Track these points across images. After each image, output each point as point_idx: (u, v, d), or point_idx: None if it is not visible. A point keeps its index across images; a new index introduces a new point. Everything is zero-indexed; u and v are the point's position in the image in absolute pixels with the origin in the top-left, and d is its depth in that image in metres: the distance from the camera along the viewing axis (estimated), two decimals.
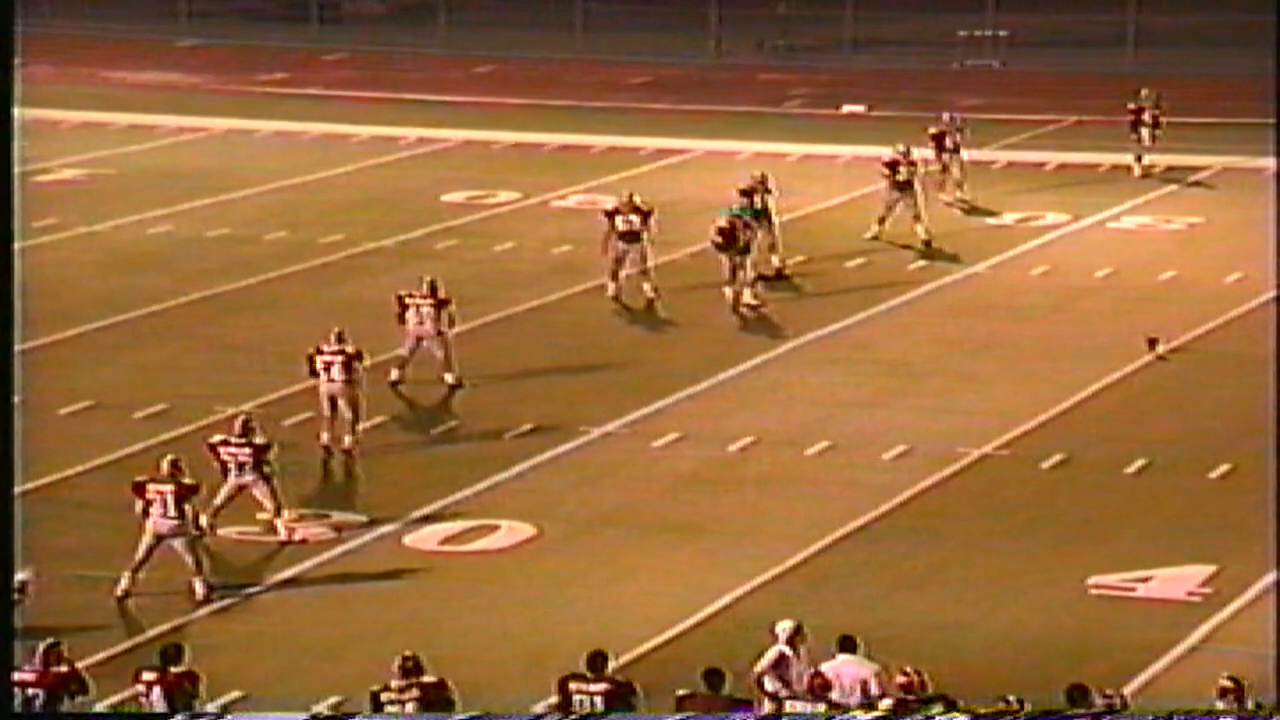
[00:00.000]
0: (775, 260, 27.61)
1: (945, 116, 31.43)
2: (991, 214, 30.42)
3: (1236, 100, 33.87)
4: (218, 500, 18.61)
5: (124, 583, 17.58)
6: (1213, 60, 40.99)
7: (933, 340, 25.29)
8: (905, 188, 29.11)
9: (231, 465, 18.60)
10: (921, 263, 28.55)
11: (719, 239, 26.18)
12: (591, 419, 22.09)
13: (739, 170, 33.07)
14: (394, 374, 22.77)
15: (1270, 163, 33.02)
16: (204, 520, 18.32)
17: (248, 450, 18.60)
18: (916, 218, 29.17)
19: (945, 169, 31.22)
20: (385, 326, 23.24)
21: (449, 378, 22.83)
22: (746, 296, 26.21)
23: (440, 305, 22.67)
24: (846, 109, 39.27)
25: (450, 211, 31.57)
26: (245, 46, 45.46)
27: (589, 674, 14.07)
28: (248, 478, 18.60)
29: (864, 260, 28.63)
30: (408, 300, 22.77)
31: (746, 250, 26.15)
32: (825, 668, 14.28)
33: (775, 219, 27.68)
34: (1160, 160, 33.58)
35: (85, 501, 19.76)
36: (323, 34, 46.81)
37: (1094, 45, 43.85)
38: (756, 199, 27.54)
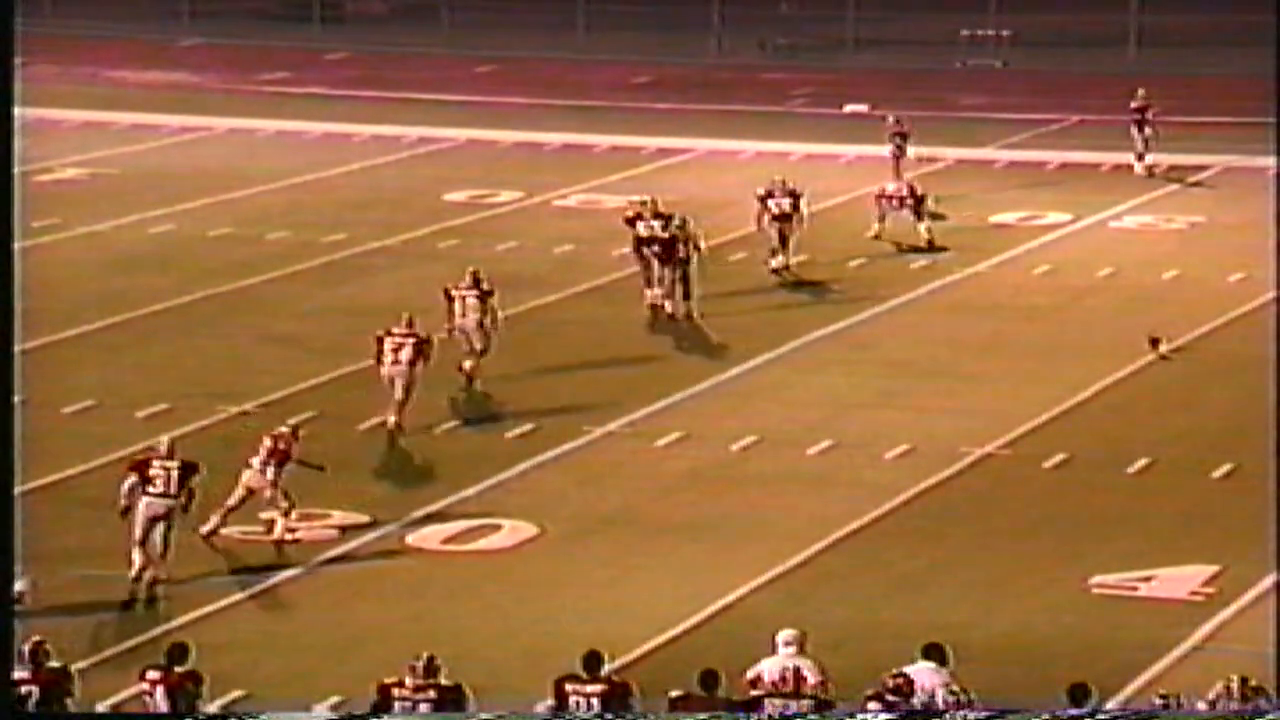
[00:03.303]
0: (774, 262, 27.46)
1: (890, 119, 31.49)
2: (939, 217, 30.18)
3: (1239, 100, 33.89)
4: (230, 501, 18.63)
5: (137, 561, 17.59)
6: (1215, 60, 40.99)
7: (935, 340, 25.27)
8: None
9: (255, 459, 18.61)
10: (923, 262, 28.54)
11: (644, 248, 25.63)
12: (594, 418, 22.08)
13: (741, 170, 33.12)
14: (468, 364, 22.94)
15: (1271, 162, 32.99)
16: (214, 518, 18.33)
17: (268, 444, 18.62)
18: (919, 217, 29.18)
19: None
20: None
21: (467, 364, 22.91)
22: (668, 306, 25.60)
23: (484, 296, 22.91)
24: (849, 108, 39.25)
25: (452, 211, 31.57)
26: (247, 46, 45.45)
27: (585, 675, 14.04)
28: (264, 477, 18.54)
29: (866, 260, 28.62)
30: (453, 292, 23.02)
31: (686, 262, 25.55)
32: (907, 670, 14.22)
33: (795, 222, 27.35)
34: (1162, 159, 33.58)
35: (88, 500, 19.74)
36: (325, 33, 46.81)
37: (1096, 45, 43.84)
38: (774, 204, 27.42)
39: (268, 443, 18.74)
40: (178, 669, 14.06)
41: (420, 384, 21.46)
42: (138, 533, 17.59)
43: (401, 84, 41.40)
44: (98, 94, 40.04)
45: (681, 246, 25.60)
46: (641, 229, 26.04)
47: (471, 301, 22.89)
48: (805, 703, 13.69)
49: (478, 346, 22.93)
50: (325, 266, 28.50)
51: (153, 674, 14.10)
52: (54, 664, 14.04)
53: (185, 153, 35.97)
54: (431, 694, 13.83)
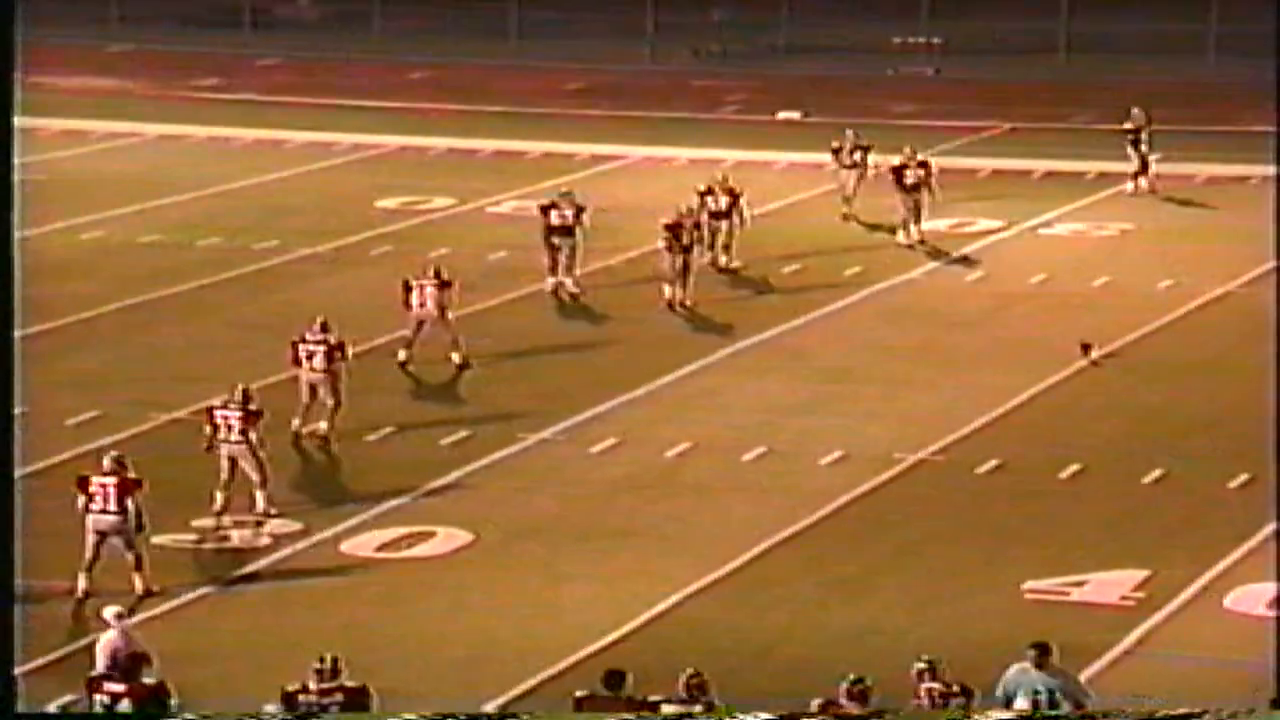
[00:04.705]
0: (723, 259, 27.83)
1: (848, 134, 31.54)
2: (875, 228, 30.33)
3: (1166, 107, 34.14)
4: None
5: (82, 583, 17.64)
6: (1143, 66, 41.30)
7: (869, 346, 25.39)
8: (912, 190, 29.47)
9: (222, 427, 19.04)
10: (857, 268, 28.66)
11: (666, 235, 26.40)
12: (528, 425, 22.09)
13: (675, 176, 33.19)
14: (401, 354, 23.60)
15: (1199, 169, 33.33)
16: (216, 507, 18.66)
17: (239, 414, 19.05)
18: (917, 218, 29.41)
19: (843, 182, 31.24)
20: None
21: (455, 357, 23.55)
22: (679, 295, 26.43)
23: (443, 286, 23.56)
24: (782, 115, 39.38)
25: (385, 217, 31.50)
26: (178, 51, 45.22)
27: (607, 693, 13.76)
28: (236, 447, 18.92)
29: (800, 266, 28.72)
30: (412, 283, 23.61)
31: (689, 249, 26.38)
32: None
33: (737, 219, 27.91)
34: (1093, 166, 33.82)
35: (17, 511, 19.58)
36: (256, 39, 46.62)
37: (1026, 52, 44.09)
38: (711, 200, 27.79)
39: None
40: (146, 680, 13.99)
41: (344, 388, 21.58)
42: (88, 552, 17.66)
43: (333, 90, 41.27)
44: (26, 99, 39.15)
45: (576, 228, 26.67)
46: (554, 217, 26.75)
47: (430, 290, 23.50)
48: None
49: (446, 336, 23.55)
50: (257, 273, 28.40)
51: (114, 685, 13.99)
52: None
53: (115, 159, 35.77)
54: (338, 695, 13.86)
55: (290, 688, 13.96)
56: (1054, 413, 22.99)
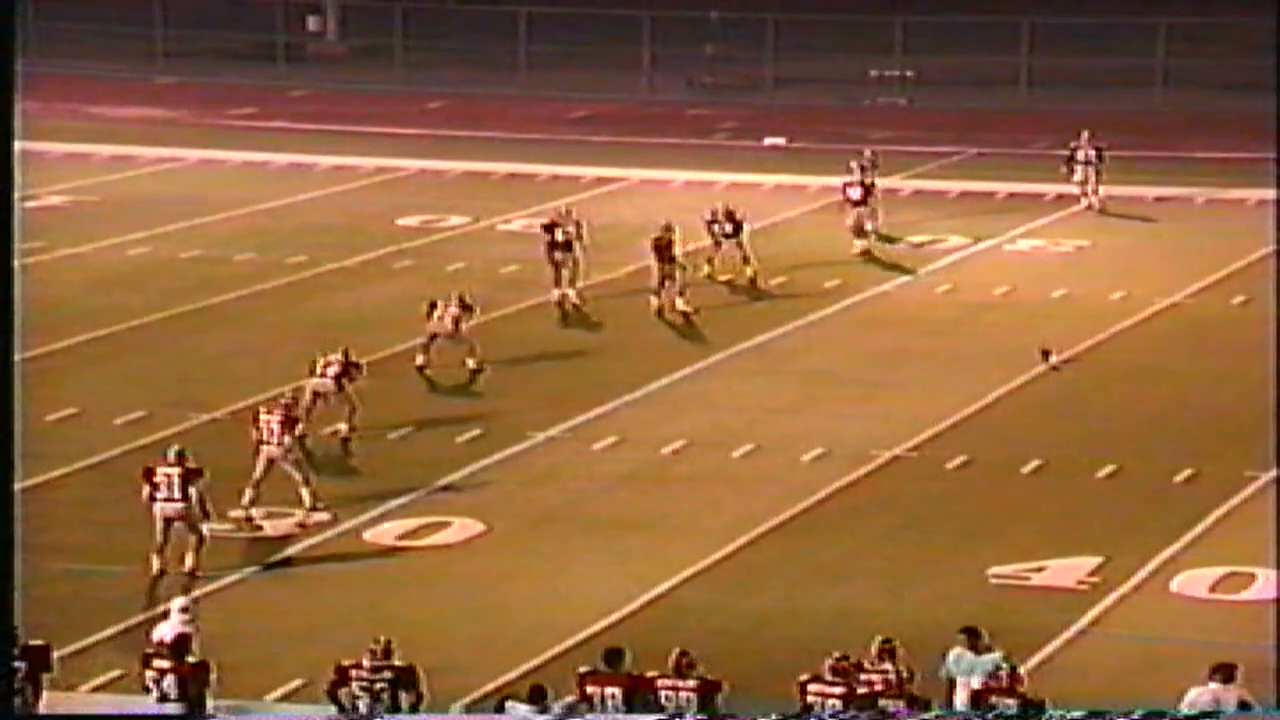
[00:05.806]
0: (749, 271, 27.91)
1: (866, 153, 31.41)
2: (894, 239, 30.46)
3: (1116, 133, 34.17)
4: (256, 474, 18.95)
5: (156, 564, 17.70)
6: (1095, 97, 41.38)
7: (848, 352, 25.40)
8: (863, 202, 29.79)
9: (264, 430, 19.07)
10: (837, 280, 28.66)
11: (653, 249, 26.55)
12: (536, 424, 22.09)
13: (671, 197, 33.24)
14: (419, 359, 23.80)
15: (1146, 190, 33.39)
16: (245, 501, 18.75)
17: (279, 420, 19.11)
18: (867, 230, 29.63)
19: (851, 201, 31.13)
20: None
21: (470, 363, 23.80)
22: (679, 304, 26.41)
23: (464, 309, 23.91)
24: (768, 141, 39.39)
25: (405, 234, 31.51)
26: (217, 83, 45.25)
27: (607, 670, 13.71)
28: (276, 449, 18.98)
29: (785, 278, 28.73)
30: (437, 303, 23.97)
31: (674, 261, 26.44)
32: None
33: (744, 239, 28.12)
34: (1050, 189, 33.83)
35: (71, 501, 19.62)
36: (288, 72, 46.64)
37: (991, 85, 44.14)
38: (717, 227, 28.07)
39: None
40: (189, 659, 14.01)
41: (353, 395, 21.50)
42: (157, 536, 17.73)
43: (358, 119, 41.28)
44: (79, 128, 39.76)
45: (575, 244, 26.77)
46: (558, 234, 26.82)
47: (452, 310, 23.76)
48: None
49: (461, 347, 23.72)
50: (288, 285, 28.40)
51: (161, 663, 14.01)
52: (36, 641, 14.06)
53: (160, 181, 35.77)
54: (387, 674, 13.91)
55: (345, 663, 13.95)
56: (1017, 413, 22.99)
